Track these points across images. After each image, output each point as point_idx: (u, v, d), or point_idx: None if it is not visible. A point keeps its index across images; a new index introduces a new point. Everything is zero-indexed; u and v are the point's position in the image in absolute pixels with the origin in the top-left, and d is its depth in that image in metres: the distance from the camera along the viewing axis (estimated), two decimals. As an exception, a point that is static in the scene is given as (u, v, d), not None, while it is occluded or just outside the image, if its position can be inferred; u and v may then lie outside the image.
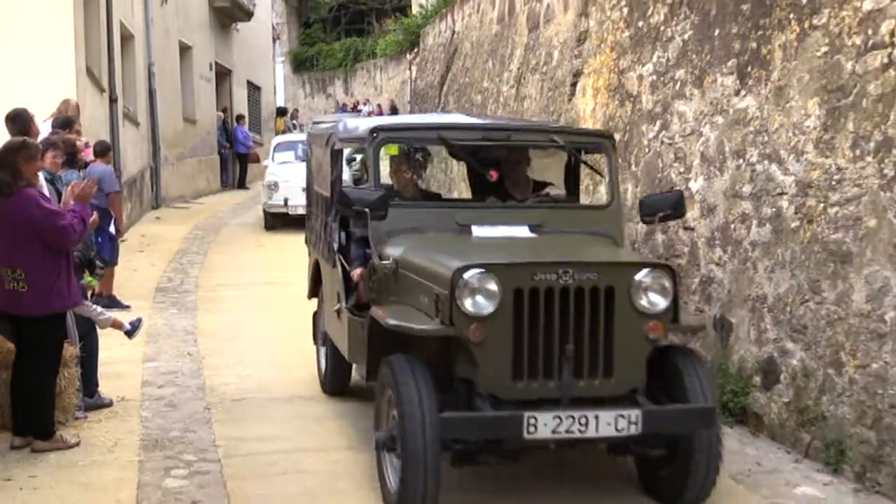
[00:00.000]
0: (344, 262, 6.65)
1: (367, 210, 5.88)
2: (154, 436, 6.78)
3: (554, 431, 5.02)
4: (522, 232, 6.17)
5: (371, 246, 6.00)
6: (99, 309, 7.65)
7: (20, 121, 7.81)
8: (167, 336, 9.85)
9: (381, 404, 5.47)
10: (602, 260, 5.60)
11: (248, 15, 27.89)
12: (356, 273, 6.37)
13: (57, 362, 6.53)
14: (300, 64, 43.74)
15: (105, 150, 11.46)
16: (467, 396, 5.20)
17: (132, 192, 17.32)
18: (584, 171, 7.34)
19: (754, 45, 7.30)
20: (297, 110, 37.96)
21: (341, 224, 6.81)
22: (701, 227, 7.71)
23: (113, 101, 16.07)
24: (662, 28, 8.91)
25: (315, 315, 8.26)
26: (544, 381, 5.13)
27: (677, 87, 8.47)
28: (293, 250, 15.15)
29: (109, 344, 8.03)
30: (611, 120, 9.81)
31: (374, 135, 6.36)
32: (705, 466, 5.35)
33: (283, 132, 29.04)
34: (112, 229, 10.90)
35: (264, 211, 17.93)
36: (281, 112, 32.51)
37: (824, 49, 6.46)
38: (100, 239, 10.51)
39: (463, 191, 16.48)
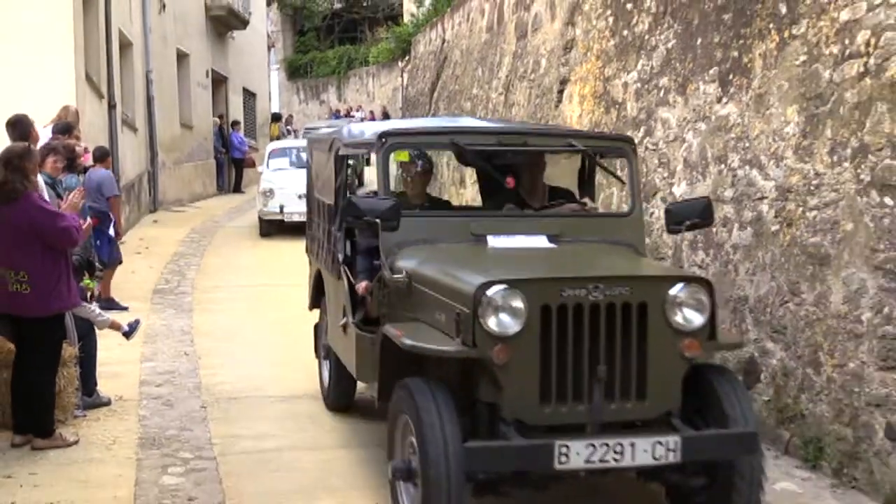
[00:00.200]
0: (350, 274, 6.22)
1: (378, 220, 5.36)
2: (151, 434, 6.78)
3: (587, 461, 4.54)
4: (541, 242, 5.67)
5: (381, 258, 5.53)
6: (97, 310, 7.65)
7: (21, 126, 7.80)
8: (164, 336, 9.84)
9: (395, 430, 4.97)
10: (634, 273, 5.17)
11: (244, 23, 27.86)
12: (362, 286, 5.98)
13: (56, 362, 6.53)
14: (294, 71, 43.72)
15: (104, 156, 11.46)
16: (490, 421, 4.70)
17: (130, 196, 17.28)
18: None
19: (735, 53, 7.32)
20: (291, 116, 37.90)
21: (346, 234, 6.44)
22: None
23: (112, 107, 16.04)
24: (647, 37, 8.93)
25: (316, 327, 7.79)
26: (573, 404, 4.65)
27: (661, 94, 8.49)
28: (288, 253, 15.17)
29: (108, 344, 8.02)
30: (596, 126, 9.83)
31: (383, 140, 5.83)
32: (746, 496, 4.86)
33: (278, 138, 29.02)
34: (112, 232, 10.90)
35: (260, 218, 17.55)
36: (275, 118, 32.48)
37: (803, 58, 6.48)
38: (98, 242, 10.52)
39: (465, 198, 16.45)
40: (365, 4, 43.37)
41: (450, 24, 19.92)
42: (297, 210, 15.93)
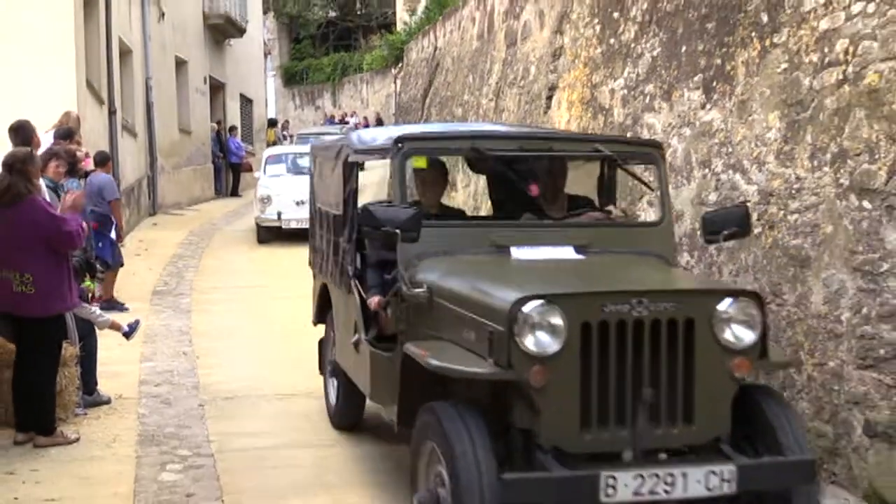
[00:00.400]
0: (361, 288, 5.75)
1: (397, 231, 4.87)
2: (150, 432, 6.77)
3: (636, 493, 4.09)
4: (567, 253, 5.21)
5: (399, 271, 5.09)
6: (98, 311, 7.65)
7: (23, 132, 7.80)
8: (163, 337, 9.83)
9: (419, 459, 4.51)
10: (680, 287, 4.79)
11: (241, 31, 27.84)
12: (374, 301, 5.52)
13: (56, 362, 6.53)
14: (290, 78, 43.69)
15: (105, 160, 11.45)
16: (525, 449, 4.25)
17: (130, 199, 17.25)
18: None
19: (719, 61, 7.34)
20: (287, 122, 37.90)
21: (356, 245, 5.97)
22: (669, 233, 7.73)
23: (112, 113, 16.02)
24: (633, 45, 8.95)
25: (321, 343, 7.25)
26: (616, 429, 4.21)
27: (647, 100, 8.51)
28: (284, 256, 15.18)
29: (108, 344, 8.01)
30: (584, 132, 9.84)
31: (400, 145, 5.34)
32: None
33: (274, 143, 29.06)
34: (113, 235, 10.90)
35: (257, 224, 16.99)
36: (272, 123, 32.51)
37: (784, 66, 6.50)
38: (101, 244, 10.53)
39: (457, 201, 16.42)
40: (359, 13, 43.37)
41: (442, 32, 19.93)
42: (294, 217, 15.79)
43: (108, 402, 7.39)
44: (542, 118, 11.41)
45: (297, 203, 15.68)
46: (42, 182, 6.92)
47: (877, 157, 5.60)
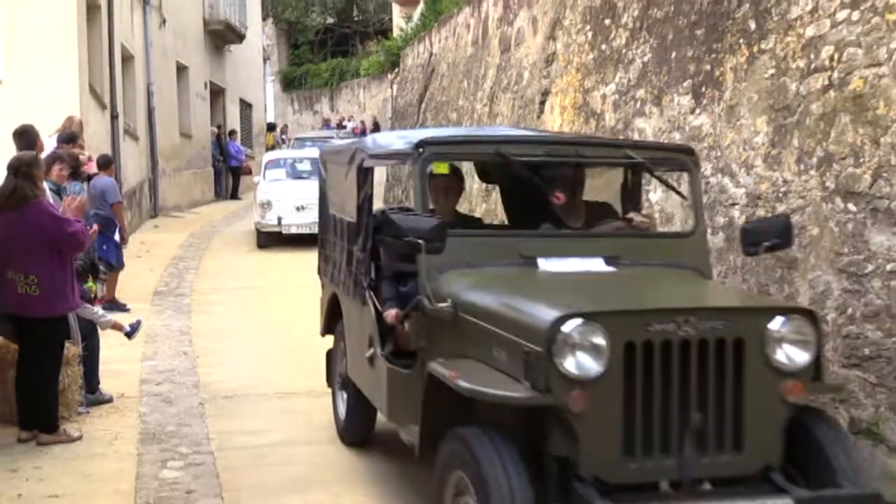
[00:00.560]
0: (376, 300, 5.40)
1: (421, 241, 4.47)
2: (151, 430, 6.76)
3: None
4: (598, 266, 4.82)
5: (420, 284, 4.70)
6: (100, 311, 7.65)
7: (27, 136, 7.80)
8: (164, 336, 9.81)
9: (444, 488, 4.12)
10: (728, 305, 4.40)
11: (241, 37, 27.83)
12: (391, 314, 5.16)
13: (58, 362, 6.52)
14: (289, 83, 43.68)
15: (108, 163, 11.45)
16: (562, 479, 3.85)
17: (132, 202, 17.24)
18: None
19: (708, 67, 7.36)
20: (286, 126, 37.92)
21: (371, 255, 5.62)
22: (659, 235, 7.74)
23: (114, 117, 16.01)
24: (624, 51, 8.96)
25: (329, 354, 6.83)
26: (661, 457, 3.84)
27: (638, 105, 8.52)
28: (283, 257, 15.17)
29: (110, 344, 8.00)
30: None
31: (421, 150, 4.93)
32: None
33: (273, 146, 29.06)
34: (117, 237, 10.90)
35: (257, 230, 16.50)
36: (270, 128, 32.51)
37: (771, 71, 6.52)
38: (105, 247, 10.54)
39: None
40: (356, 19, 43.41)
41: (437, 39, 19.94)
42: (294, 222, 15.62)
43: (109, 400, 7.39)
44: (535, 123, 11.42)
45: (298, 208, 15.58)
46: (45, 185, 6.91)
47: (861, 160, 5.61)
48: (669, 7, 8.16)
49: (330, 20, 43.59)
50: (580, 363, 3.76)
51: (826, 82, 5.96)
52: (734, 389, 3.91)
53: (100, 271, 9.69)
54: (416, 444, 4.58)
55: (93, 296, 7.87)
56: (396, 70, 26.62)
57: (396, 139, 5.62)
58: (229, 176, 26.07)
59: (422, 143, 4.96)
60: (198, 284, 13.08)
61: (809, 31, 6.17)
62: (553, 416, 3.83)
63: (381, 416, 5.79)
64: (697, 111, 7.43)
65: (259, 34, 34.19)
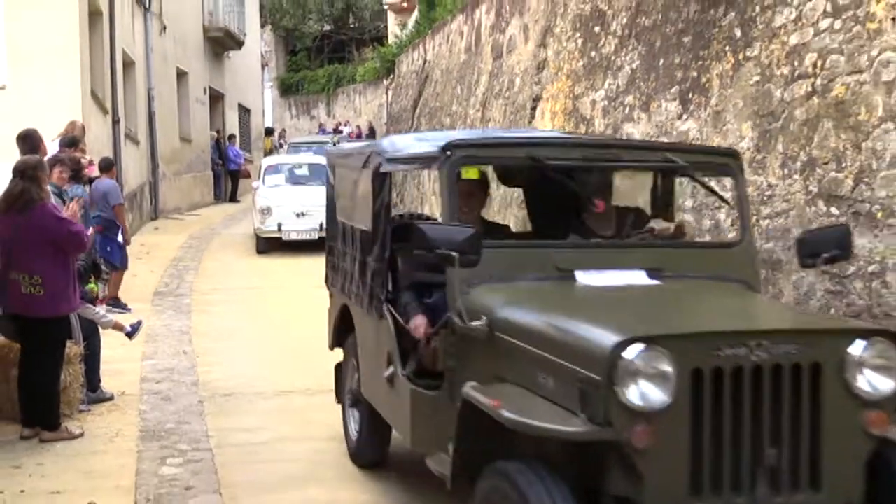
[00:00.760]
0: (396, 314, 4.90)
1: (455, 254, 3.99)
2: (151, 427, 6.75)
3: None
4: (640, 279, 4.35)
5: (450, 299, 4.26)
6: (102, 312, 7.63)
7: (31, 140, 7.77)
8: (164, 336, 9.79)
9: None
10: (805, 326, 3.90)
11: (239, 44, 27.80)
12: (420, 328, 4.63)
13: (60, 360, 6.51)
14: (287, 88, 43.64)
15: (109, 166, 11.44)
16: None
17: (133, 204, 17.20)
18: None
19: (695, 74, 7.36)
20: (284, 130, 37.88)
21: (389, 266, 5.15)
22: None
23: (115, 122, 15.98)
24: (613, 58, 8.97)
25: (338, 368, 6.28)
26: (732, 496, 3.40)
27: (626, 111, 8.53)
28: (281, 259, 15.15)
29: (111, 343, 7.98)
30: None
31: (448, 153, 4.45)
32: None
33: (271, 150, 29.03)
34: (120, 238, 10.90)
35: (257, 235, 16.11)
36: (268, 132, 32.46)
37: (756, 78, 6.53)
38: (109, 248, 10.54)
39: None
40: (352, 26, 43.37)
41: (431, 46, 19.95)
42: (294, 228, 15.44)
43: (110, 398, 7.37)
44: (526, 128, 11.42)
45: (298, 214, 15.43)
46: (48, 187, 6.90)
47: (844, 165, 5.62)
48: (657, 15, 8.17)
49: (327, 27, 43.54)
50: (644, 393, 3.31)
51: (809, 89, 5.98)
52: (811, 420, 3.46)
53: (102, 272, 9.67)
54: (448, 477, 4.10)
55: (94, 296, 7.84)
56: (391, 76, 26.62)
57: (415, 141, 5.19)
58: (228, 179, 26.05)
59: (450, 146, 4.48)
60: (197, 285, 13.06)
61: (793, 39, 6.18)
62: (612, 451, 3.38)
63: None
64: (684, 116, 7.44)
65: (257, 41, 34.17)
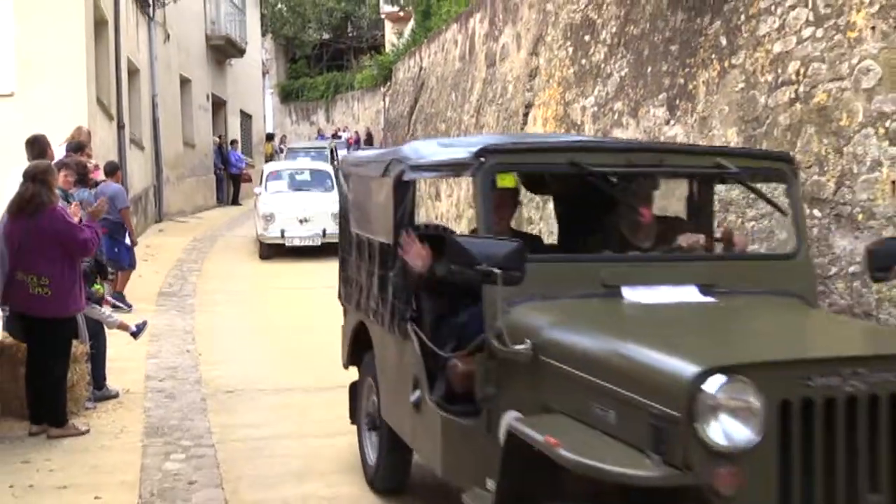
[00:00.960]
0: (422, 335, 4.39)
1: (497, 270, 3.51)
2: (155, 424, 6.74)
3: None
4: (693, 295, 3.87)
5: (488, 320, 3.79)
6: (108, 312, 7.62)
7: (38, 145, 7.76)
8: (168, 335, 9.78)
9: None
10: None
11: (241, 52, 27.80)
12: (459, 370, 4.08)
13: (67, 359, 6.50)
14: (287, 95, 43.67)
15: (114, 170, 11.42)
16: None
17: (138, 207, 17.18)
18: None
19: (682, 80, 7.38)
20: (285, 136, 37.91)
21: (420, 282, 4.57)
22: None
23: (121, 127, 15.98)
24: (602, 66, 8.98)
25: (353, 387, 5.76)
26: None
27: (616, 117, 8.54)
28: (282, 260, 15.14)
29: (116, 342, 7.97)
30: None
31: (482, 160, 3.99)
32: None
33: (272, 155, 29.05)
34: (128, 240, 10.92)
35: (260, 242, 15.75)
36: (269, 137, 32.50)
37: (741, 85, 6.54)
38: (117, 249, 10.55)
39: (440, 210, 16.36)
40: (350, 35, 43.40)
41: (427, 54, 19.95)
42: (297, 234, 15.26)
43: (115, 396, 7.36)
44: (525, 133, 11.44)
45: (301, 221, 15.32)
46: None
47: (826, 169, 5.64)
48: (645, 24, 8.19)
49: (326, 36, 43.58)
50: (728, 432, 2.83)
51: (793, 95, 5.99)
52: None
53: (108, 272, 9.66)
54: None
55: (100, 297, 7.83)
56: (389, 83, 26.65)
57: (441, 147, 4.71)
58: (230, 183, 26.06)
59: (484, 152, 4.02)
60: (201, 286, 13.05)
61: (777, 48, 6.20)
62: (690, 495, 2.88)
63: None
64: (672, 122, 7.45)
65: (258, 49, 34.15)
